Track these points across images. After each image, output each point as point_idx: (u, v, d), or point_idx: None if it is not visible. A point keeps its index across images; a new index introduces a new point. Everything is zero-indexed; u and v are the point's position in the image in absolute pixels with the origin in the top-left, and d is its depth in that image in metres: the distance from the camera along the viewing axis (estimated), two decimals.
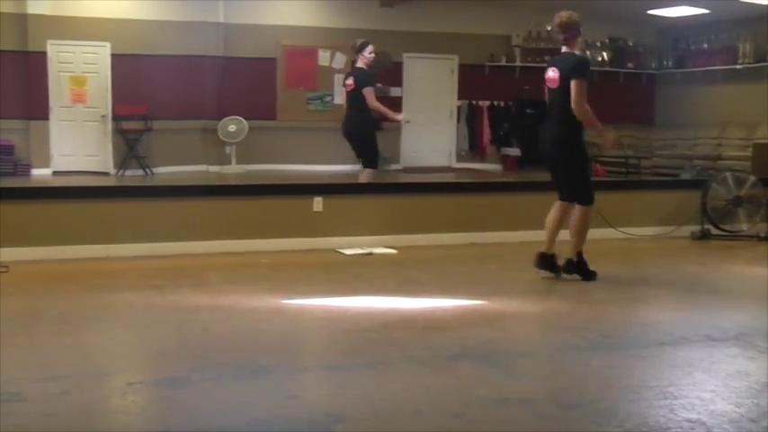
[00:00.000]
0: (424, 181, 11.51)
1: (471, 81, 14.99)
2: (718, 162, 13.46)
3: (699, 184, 9.41)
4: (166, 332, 5.02)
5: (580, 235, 6.51)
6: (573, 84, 6.19)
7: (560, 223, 6.53)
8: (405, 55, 14.96)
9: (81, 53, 13.03)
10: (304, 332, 5.20)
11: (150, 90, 13.07)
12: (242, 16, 13.89)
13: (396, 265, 7.35)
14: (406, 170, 14.68)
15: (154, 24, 13.25)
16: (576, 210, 6.48)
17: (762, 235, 8.84)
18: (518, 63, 15.32)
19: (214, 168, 13.77)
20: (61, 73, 12.93)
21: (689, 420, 3.51)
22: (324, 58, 14.61)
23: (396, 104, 15.01)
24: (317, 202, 8.09)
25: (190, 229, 7.66)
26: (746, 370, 4.29)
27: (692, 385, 4.02)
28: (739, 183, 9.13)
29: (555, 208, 6.56)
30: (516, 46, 15.26)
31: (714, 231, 9.00)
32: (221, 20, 13.85)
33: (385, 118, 9.61)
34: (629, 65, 16.30)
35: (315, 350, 4.95)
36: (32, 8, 12.58)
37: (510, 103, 15.51)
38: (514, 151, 15.41)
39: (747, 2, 12.47)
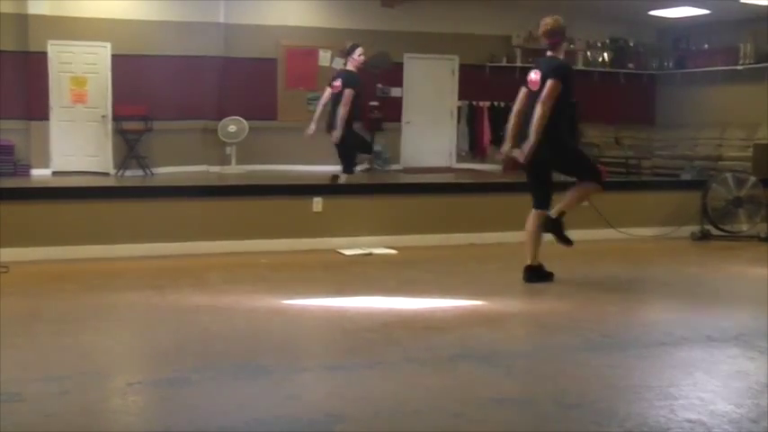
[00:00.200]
0: (424, 181, 11.51)
1: (472, 81, 14.99)
2: (719, 162, 13.45)
3: (699, 185, 9.41)
4: (166, 332, 5.02)
5: (577, 200, 6.51)
6: (548, 83, 6.16)
7: (540, 233, 6.43)
8: (405, 55, 14.95)
9: (81, 53, 13.02)
10: (304, 332, 5.20)
11: (150, 90, 13.06)
12: (242, 16, 13.88)
13: (395, 266, 7.35)
14: (407, 170, 14.68)
15: (154, 24, 13.24)
16: (587, 183, 6.48)
17: (762, 235, 8.84)
18: (518, 63, 15.28)
19: (214, 169, 13.76)
20: (61, 73, 12.91)
21: (689, 420, 3.51)
22: (324, 58, 14.60)
23: (396, 105, 15.05)
24: (317, 203, 8.09)
25: (190, 229, 7.66)
26: (746, 370, 4.29)
27: (692, 385, 4.02)
28: (739, 183, 9.13)
29: (531, 218, 6.45)
30: (517, 46, 15.25)
31: (714, 232, 9.00)
32: (221, 20, 13.85)
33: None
34: (630, 65, 16.29)
35: (315, 350, 4.95)
36: (33, 8, 12.57)
37: (510, 104, 15.45)
38: (514, 152, 15.38)
39: (748, 2, 12.46)
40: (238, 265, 7.07)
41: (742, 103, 14.10)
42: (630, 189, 10.17)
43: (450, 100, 15.38)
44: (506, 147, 6.60)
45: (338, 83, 8.87)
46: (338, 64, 14.56)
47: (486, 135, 15.35)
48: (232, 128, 13.70)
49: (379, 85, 14.88)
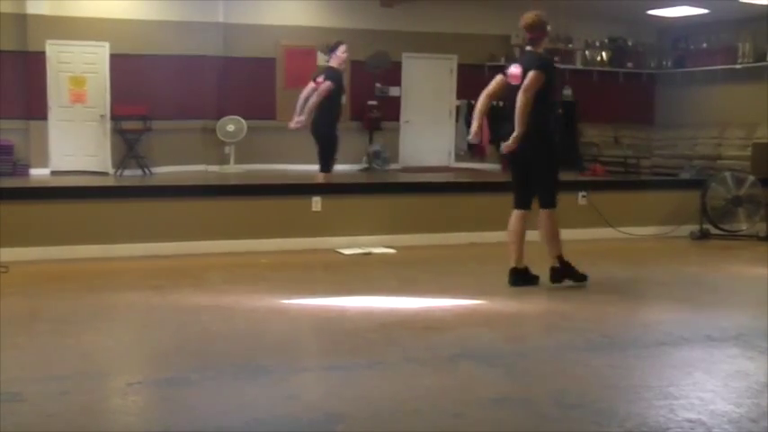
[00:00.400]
0: (422, 181, 11.50)
1: (470, 81, 14.96)
2: (718, 162, 13.46)
3: (698, 184, 9.41)
4: (166, 332, 5.02)
5: (555, 239, 6.26)
6: (531, 74, 6.04)
7: (524, 233, 6.31)
8: (404, 55, 14.96)
9: (80, 53, 13.02)
10: (304, 332, 5.20)
11: (149, 90, 13.06)
12: (241, 16, 13.89)
13: (395, 265, 7.35)
14: (405, 170, 14.69)
15: (153, 24, 13.24)
16: (543, 215, 6.23)
17: (761, 235, 8.85)
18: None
19: (213, 168, 13.77)
20: (60, 73, 12.91)
21: (689, 420, 3.51)
22: (323, 58, 14.58)
23: (395, 104, 15.05)
24: (316, 202, 8.09)
25: (189, 229, 7.66)
26: (746, 370, 4.29)
27: (692, 385, 4.02)
28: (739, 182, 9.13)
29: (514, 219, 6.31)
30: (516, 46, 15.22)
31: (713, 231, 9.00)
32: (221, 20, 13.85)
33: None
34: (629, 65, 16.30)
35: (315, 350, 4.94)
36: (32, 8, 12.57)
37: (509, 103, 15.49)
38: (503, 145, 15.36)
39: (747, 2, 12.47)
40: (238, 265, 7.07)
41: (741, 103, 14.11)
42: (630, 188, 10.19)
43: (448, 99, 15.39)
44: (475, 125, 6.41)
45: (321, 79, 8.84)
46: (320, 60, 14.64)
47: (485, 134, 15.33)
48: (231, 127, 13.70)
49: (378, 85, 14.88)
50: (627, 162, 14.67)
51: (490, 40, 14.94)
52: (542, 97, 6.11)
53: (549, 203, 6.24)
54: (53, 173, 12.74)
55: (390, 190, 9.52)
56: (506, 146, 6.17)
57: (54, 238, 7.21)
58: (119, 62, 13.03)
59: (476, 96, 6.52)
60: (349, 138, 14.71)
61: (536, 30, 6.33)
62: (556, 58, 15.57)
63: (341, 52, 8.88)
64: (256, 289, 6.24)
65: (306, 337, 5.15)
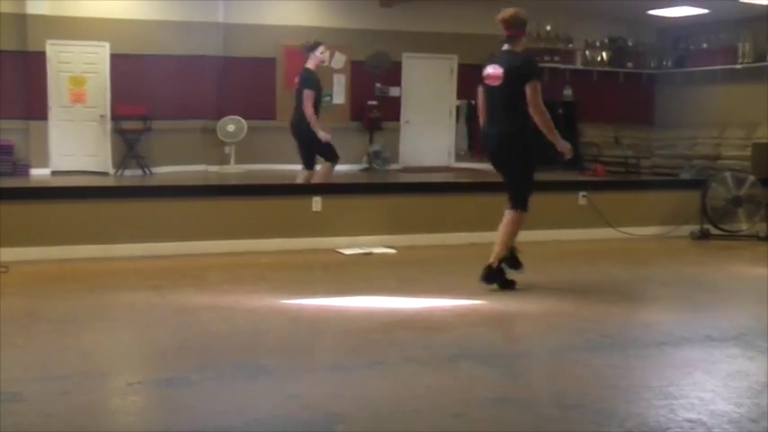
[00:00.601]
0: (423, 181, 11.50)
1: (471, 81, 14.92)
2: (718, 162, 13.47)
3: (698, 184, 9.41)
4: (166, 332, 5.02)
5: (508, 240, 6.11)
6: (529, 87, 5.91)
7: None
8: (404, 55, 14.96)
9: (80, 53, 13.03)
10: (304, 332, 5.20)
11: (149, 90, 13.07)
12: (241, 16, 13.89)
13: (395, 265, 7.34)
14: (405, 170, 14.69)
15: (153, 24, 13.25)
16: (508, 214, 6.13)
17: (761, 235, 8.84)
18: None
19: (213, 168, 13.77)
20: (60, 73, 12.92)
21: (689, 420, 3.51)
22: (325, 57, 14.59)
23: (395, 104, 15.06)
24: (316, 202, 8.09)
25: (189, 229, 7.66)
26: (746, 370, 4.29)
27: (692, 385, 4.02)
28: (739, 182, 9.13)
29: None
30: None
31: (713, 231, 9.00)
32: (221, 20, 13.85)
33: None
34: (629, 65, 16.31)
35: (315, 350, 4.94)
36: (32, 8, 12.58)
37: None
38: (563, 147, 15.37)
39: (747, 2, 12.47)
40: (238, 265, 7.07)
41: (741, 103, 14.12)
42: (630, 188, 10.19)
43: (448, 99, 15.39)
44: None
45: (297, 80, 8.82)
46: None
47: None
48: (231, 127, 13.70)
49: (378, 85, 14.89)
50: (627, 162, 14.67)
51: (490, 40, 14.77)
52: (523, 100, 5.98)
53: (517, 204, 6.12)
54: (53, 173, 12.75)
55: (390, 190, 9.52)
56: (568, 150, 6.20)
57: (54, 238, 7.21)
58: (119, 62, 13.03)
59: (476, 96, 6.50)
60: (349, 138, 14.73)
61: (514, 26, 6.20)
62: (557, 58, 15.66)
63: (319, 53, 8.83)
64: (256, 289, 6.24)
65: (306, 337, 5.15)
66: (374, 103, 14.80)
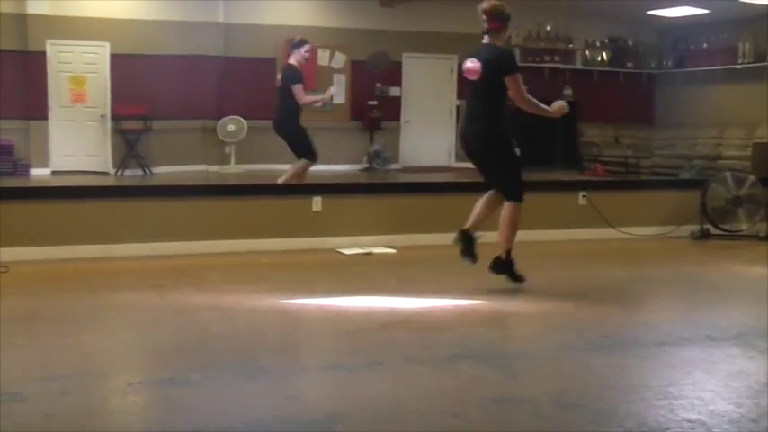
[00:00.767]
0: (423, 181, 11.50)
1: None
2: (718, 162, 13.47)
3: (698, 184, 9.41)
4: (166, 332, 5.02)
5: (510, 231, 6.06)
6: (509, 81, 5.86)
7: (490, 206, 6.15)
8: (404, 55, 14.97)
9: (80, 53, 13.03)
10: (304, 332, 5.20)
11: (150, 90, 13.07)
12: (242, 16, 13.90)
13: (395, 265, 7.35)
14: (405, 170, 14.70)
15: (153, 24, 13.25)
16: (505, 207, 6.08)
17: (761, 235, 8.85)
18: (518, 63, 15.31)
19: (213, 168, 13.78)
20: (61, 73, 12.93)
21: (689, 420, 3.51)
22: (323, 57, 14.61)
23: (395, 104, 15.06)
24: (317, 202, 8.09)
25: (190, 229, 7.66)
26: (746, 370, 4.29)
27: (691, 385, 4.02)
28: (739, 182, 9.13)
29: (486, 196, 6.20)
30: (516, 45, 15.26)
31: (714, 231, 9.00)
32: (221, 20, 13.86)
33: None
34: (629, 65, 16.32)
35: (315, 350, 4.95)
36: (32, 8, 12.58)
37: (509, 103, 15.50)
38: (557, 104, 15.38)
39: (747, 2, 12.47)
40: (238, 265, 7.07)
41: (741, 103, 14.12)
42: (630, 188, 10.19)
43: (448, 99, 15.39)
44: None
45: (279, 77, 8.85)
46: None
47: None
48: (231, 127, 13.71)
49: (378, 85, 14.89)
50: (627, 162, 14.68)
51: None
52: (502, 95, 5.96)
53: (512, 196, 6.08)
54: (54, 173, 12.75)
55: (390, 190, 9.52)
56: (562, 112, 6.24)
57: (54, 238, 7.21)
58: (119, 62, 13.03)
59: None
60: (349, 138, 14.77)
61: (496, 18, 6.05)
62: (557, 58, 15.66)
63: (304, 50, 8.88)
64: (256, 289, 6.24)
65: (306, 337, 5.15)
66: (374, 103, 14.81)
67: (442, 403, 3.77)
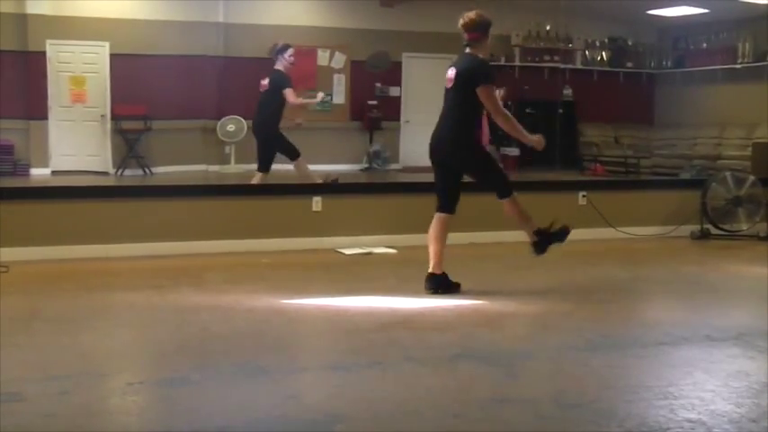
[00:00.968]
0: (423, 180, 11.48)
1: None
2: (718, 162, 13.48)
3: (698, 184, 9.41)
4: (166, 332, 5.02)
5: (525, 219, 6.04)
6: (480, 92, 5.81)
7: (442, 237, 6.07)
8: (404, 55, 14.96)
9: (80, 53, 13.04)
10: (304, 332, 5.20)
11: (149, 90, 13.07)
12: (242, 16, 13.89)
13: (395, 265, 7.34)
14: (406, 170, 14.69)
15: (153, 24, 13.25)
16: (504, 205, 6.06)
17: (761, 235, 8.85)
18: (517, 63, 15.33)
19: (213, 168, 13.77)
20: (61, 73, 12.93)
21: (689, 420, 3.51)
22: (323, 57, 14.62)
23: (395, 104, 15.06)
24: (317, 202, 8.09)
25: (190, 229, 7.66)
26: (746, 370, 4.29)
27: (692, 385, 4.02)
28: (739, 182, 9.13)
29: (435, 222, 6.10)
30: (516, 46, 15.27)
31: (714, 231, 9.00)
32: (221, 20, 13.86)
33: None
34: (629, 64, 16.32)
35: (314, 350, 4.95)
36: (32, 8, 12.58)
37: (509, 103, 15.49)
38: (513, 151, 15.40)
39: (747, 2, 12.48)
40: (238, 265, 7.07)
41: (741, 102, 14.12)
42: (630, 188, 10.20)
43: None
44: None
45: (265, 82, 8.87)
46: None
47: (485, 134, 15.31)
48: (231, 127, 13.71)
49: (378, 85, 14.89)
50: (627, 162, 14.67)
51: (490, 40, 14.91)
52: (474, 104, 5.92)
53: (502, 194, 6.06)
54: (54, 173, 12.76)
55: (390, 190, 9.53)
56: (538, 142, 6.12)
57: (54, 238, 7.21)
58: (119, 62, 13.03)
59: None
60: (349, 137, 14.77)
61: (476, 29, 6.09)
62: (557, 58, 15.66)
63: (288, 55, 8.91)
64: (256, 289, 6.24)
65: (306, 337, 5.15)
66: (374, 102, 14.80)
67: (442, 403, 3.77)
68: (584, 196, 8.92)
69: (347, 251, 7.75)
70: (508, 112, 6.03)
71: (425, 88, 15.24)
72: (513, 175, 13.79)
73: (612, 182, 11.57)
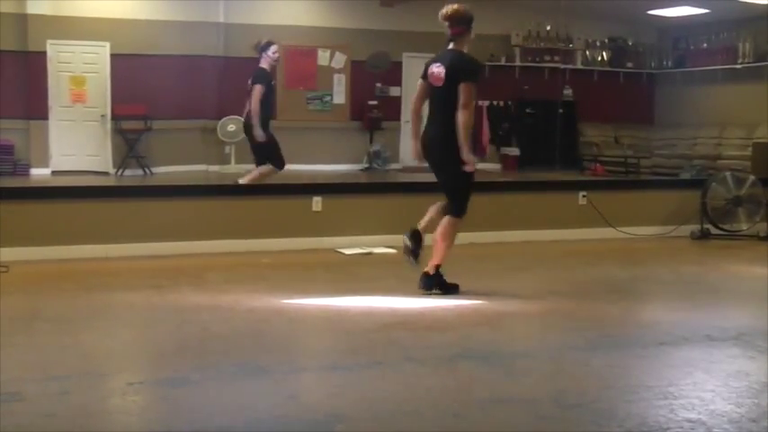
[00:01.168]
0: (423, 180, 11.48)
1: None
2: (718, 162, 13.47)
3: (698, 184, 9.41)
4: (166, 332, 5.02)
5: (444, 247, 5.93)
6: (463, 87, 5.71)
7: (449, 239, 5.97)
8: (404, 55, 14.94)
9: (81, 53, 13.03)
10: (304, 332, 5.20)
11: (150, 90, 13.07)
12: (242, 16, 13.88)
13: (395, 265, 7.32)
14: (406, 170, 14.67)
15: (153, 24, 13.24)
16: (445, 219, 5.96)
17: (761, 234, 8.85)
18: (518, 63, 15.33)
19: (214, 168, 13.77)
20: (61, 73, 12.93)
21: (689, 420, 3.51)
22: (323, 57, 14.62)
23: (395, 104, 15.05)
24: (317, 202, 8.09)
25: (190, 228, 7.66)
26: (746, 370, 4.29)
27: (692, 385, 4.02)
28: (739, 182, 9.13)
29: (441, 223, 6.03)
30: (516, 45, 15.26)
31: (714, 231, 9.00)
32: (221, 20, 13.85)
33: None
34: (629, 64, 16.31)
35: (315, 350, 4.95)
36: (32, 8, 12.58)
37: (509, 103, 15.52)
38: (514, 151, 15.43)
39: (747, 2, 12.47)
40: (238, 265, 7.07)
41: (741, 102, 14.12)
42: (630, 188, 10.20)
43: None
44: (414, 148, 6.19)
45: (250, 80, 8.85)
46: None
47: (486, 134, 15.36)
48: (231, 127, 13.70)
49: (378, 85, 14.88)
50: (627, 162, 14.67)
51: (491, 40, 14.91)
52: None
53: (453, 211, 5.97)
54: (54, 173, 12.76)
55: (390, 190, 9.52)
56: (468, 168, 5.88)
57: (54, 238, 7.21)
58: (119, 62, 13.03)
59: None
60: (349, 138, 14.76)
61: (458, 23, 5.95)
62: (557, 58, 15.66)
63: (272, 52, 8.84)
64: (256, 289, 6.24)
65: (306, 337, 5.15)
66: (374, 102, 14.80)
67: (441, 403, 3.77)
68: (584, 196, 8.92)
69: (347, 251, 7.75)
70: (471, 117, 5.83)
71: None
72: (513, 175, 13.82)
73: (612, 182, 11.58)
